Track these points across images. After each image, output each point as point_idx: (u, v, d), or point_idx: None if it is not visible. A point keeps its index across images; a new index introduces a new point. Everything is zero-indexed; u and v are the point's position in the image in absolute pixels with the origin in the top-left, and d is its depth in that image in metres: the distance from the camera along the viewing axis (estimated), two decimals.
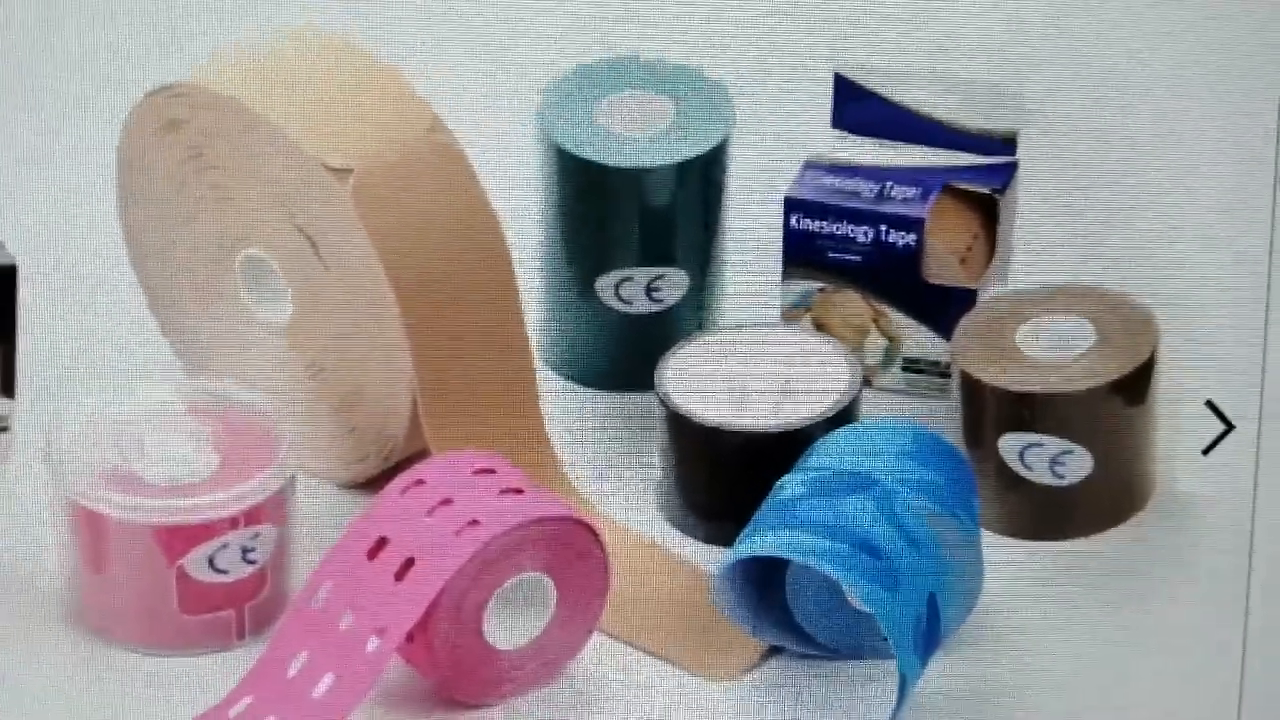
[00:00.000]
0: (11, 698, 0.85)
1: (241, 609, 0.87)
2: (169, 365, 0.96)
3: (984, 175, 0.98)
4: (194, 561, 0.86)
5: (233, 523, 0.86)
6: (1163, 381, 0.94)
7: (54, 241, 1.00)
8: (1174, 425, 0.94)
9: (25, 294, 0.92)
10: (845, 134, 0.99)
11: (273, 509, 0.87)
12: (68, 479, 0.86)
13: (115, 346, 0.97)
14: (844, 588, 0.87)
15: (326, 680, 0.83)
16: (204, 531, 0.86)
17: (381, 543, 0.85)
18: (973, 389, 0.93)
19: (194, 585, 0.86)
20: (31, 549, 0.89)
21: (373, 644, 0.84)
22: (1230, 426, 0.92)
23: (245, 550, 0.87)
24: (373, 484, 0.91)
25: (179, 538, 0.86)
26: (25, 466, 0.92)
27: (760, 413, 0.92)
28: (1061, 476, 0.93)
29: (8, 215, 0.96)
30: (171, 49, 1.00)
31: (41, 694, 0.85)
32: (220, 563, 0.86)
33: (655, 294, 0.97)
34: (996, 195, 0.98)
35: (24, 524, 0.90)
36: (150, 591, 0.86)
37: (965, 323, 0.95)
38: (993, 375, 0.93)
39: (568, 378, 0.98)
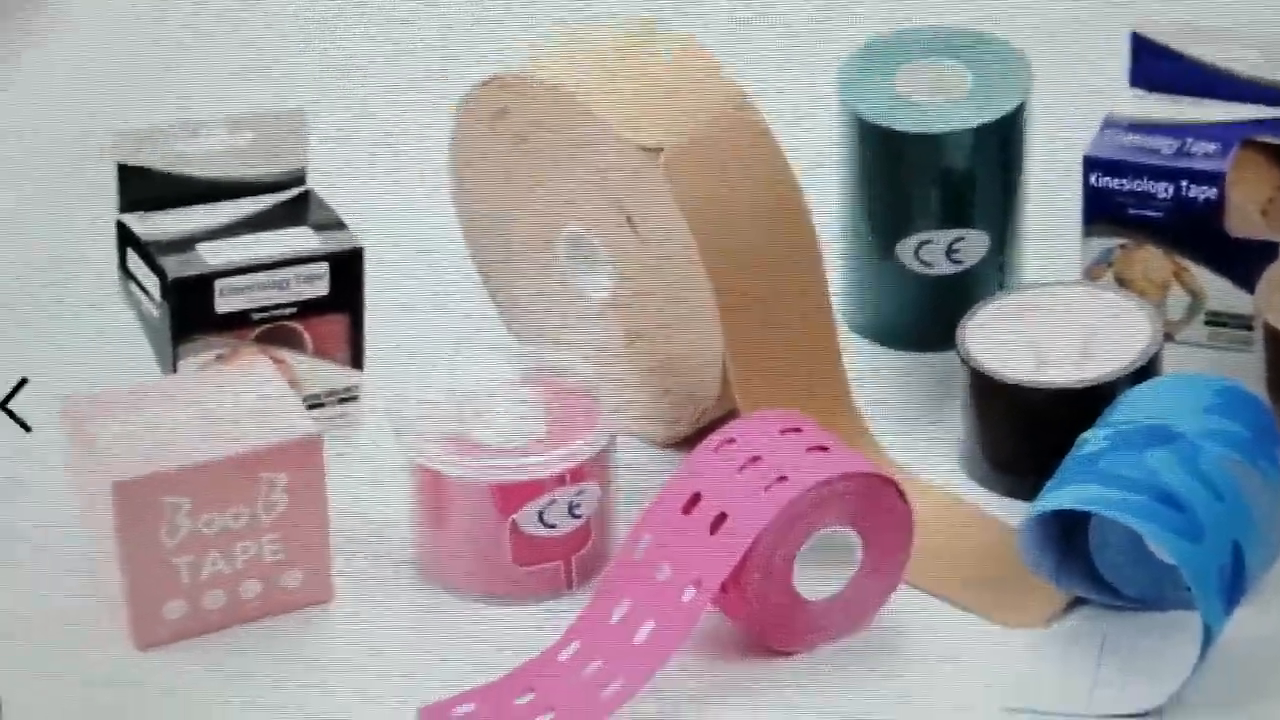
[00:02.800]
0: (365, 640, 0.91)
1: (569, 560, 0.92)
2: (501, 337, 1.01)
3: None
4: (525, 516, 0.91)
5: (560, 480, 0.91)
6: None
7: (396, 224, 1.06)
8: None
9: (371, 274, 0.98)
10: (1143, 92, 1.00)
11: (596, 467, 0.91)
12: (412, 443, 0.92)
13: (452, 320, 1.02)
14: (1147, 539, 0.88)
15: (647, 627, 0.88)
16: (534, 489, 0.91)
17: (696, 498, 0.89)
18: (1277, 341, 0.93)
19: (525, 538, 0.91)
20: (380, 507, 0.95)
21: (689, 594, 0.87)
22: None
23: (572, 506, 0.91)
24: (687, 443, 0.95)
25: (512, 495, 0.91)
26: (374, 432, 0.98)
27: (1063, 369, 0.93)
28: None
29: (355, 202, 1.01)
30: (498, 42, 1.07)
31: (391, 638, 0.91)
32: (549, 517, 0.91)
33: (955, 255, 0.99)
34: None
35: (373, 485, 0.95)
36: (486, 544, 0.91)
37: (1268, 275, 0.95)
38: None
39: (871, 339, 1.01)
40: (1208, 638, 0.86)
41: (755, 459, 0.89)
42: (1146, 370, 0.93)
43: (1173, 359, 0.96)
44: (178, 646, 0.91)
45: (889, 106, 0.98)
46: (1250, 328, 0.97)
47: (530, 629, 0.91)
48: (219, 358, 0.96)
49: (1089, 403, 0.92)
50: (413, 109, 1.11)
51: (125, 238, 0.98)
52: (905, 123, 0.98)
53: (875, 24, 1.04)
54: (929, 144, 0.98)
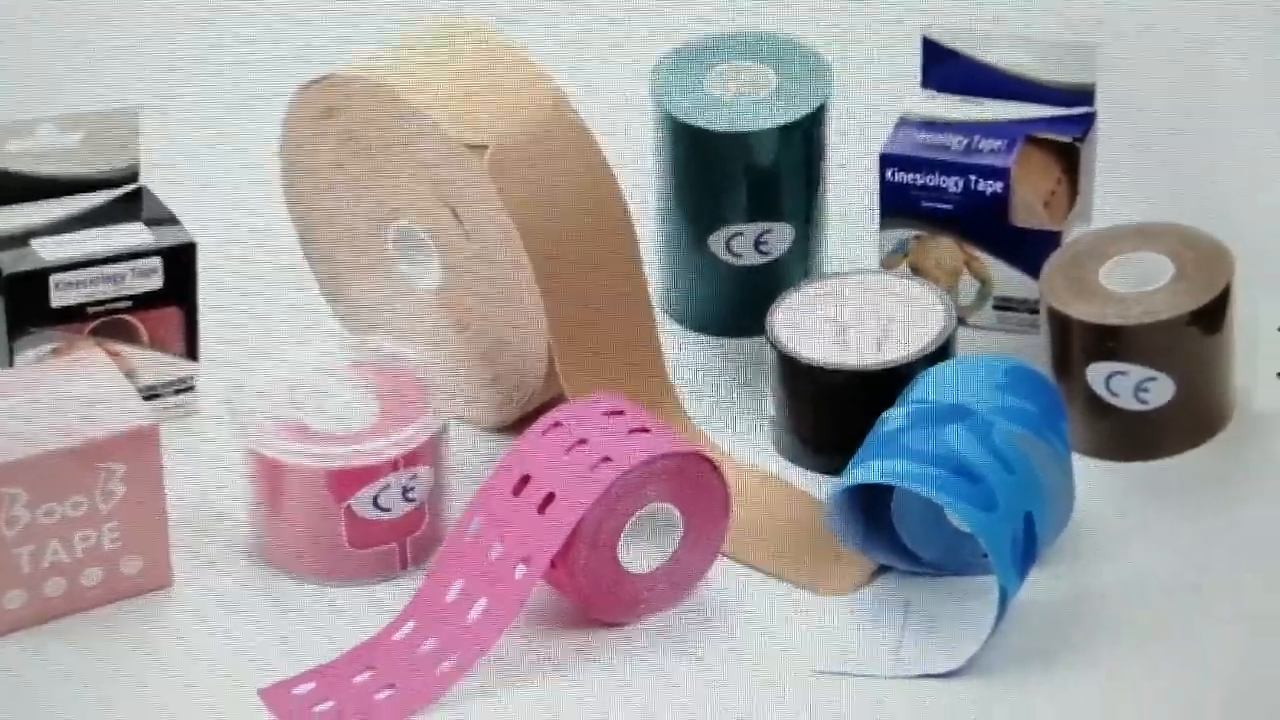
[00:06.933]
0: (204, 624, 0.92)
1: (404, 542, 0.94)
2: (334, 327, 1.03)
3: (1064, 125, 1.02)
4: (360, 501, 0.93)
5: (393, 465, 0.92)
6: (1238, 310, 0.98)
7: (229, 219, 1.07)
8: (1250, 351, 0.98)
9: (205, 267, 0.99)
10: (934, 93, 1.04)
11: (428, 452, 0.93)
12: (248, 431, 0.93)
13: (285, 311, 1.04)
14: (946, 510, 0.92)
15: (480, 605, 0.90)
16: (368, 474, 0.92)
17: (525, 480, 0.91)
18: (1060, 323, 0.98)
19: (360, 522, 0.93)
20: (217, 494, 0.96)
21: (520, 571, 0.90)
22: None
23: (405, 490, 0.93)
24: (515, 428, 0.97)
25: (347, 480, 0.92)
26: (210, 421, 0.99)
27: (863, 352, 0.97)
28: (1146, 402, 0.97)
29: (187, 197, 1.02)
30: (327, 42, 1.09)
31: (230, 621, 0.92)
32: (383, 501, 0.93)
33: (763, 247, 1.03)
34: (1077, 143, 1.02)
35: (209, 471, 0.97)
36: (322, 529, 0.93)
37: (1051, 262, 1.00)
38: (1079, 310, 0.97)
39: (687, 326, 1.04)
40: (1003, 601, 0.89)
41: (581, 441, 0.91)
42: (941, 352, 0.97)
43: (965, 341, 1.00)
44: (19, 635, 0.91)
45: (699, 106, 1.01)
46: (1036, 311, 1.02)
47: (367, 610, 0.92)
48: (54, 351, 0.96)
49: (888, 383, 0.96)
50: (244, 107, 1.11)
51: None
52: (714, 122, 1.01)
53: (686, 28, 1.07)
54: (737, 142, 1.01)
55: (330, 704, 0.89)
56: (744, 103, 1.02)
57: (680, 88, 1.02)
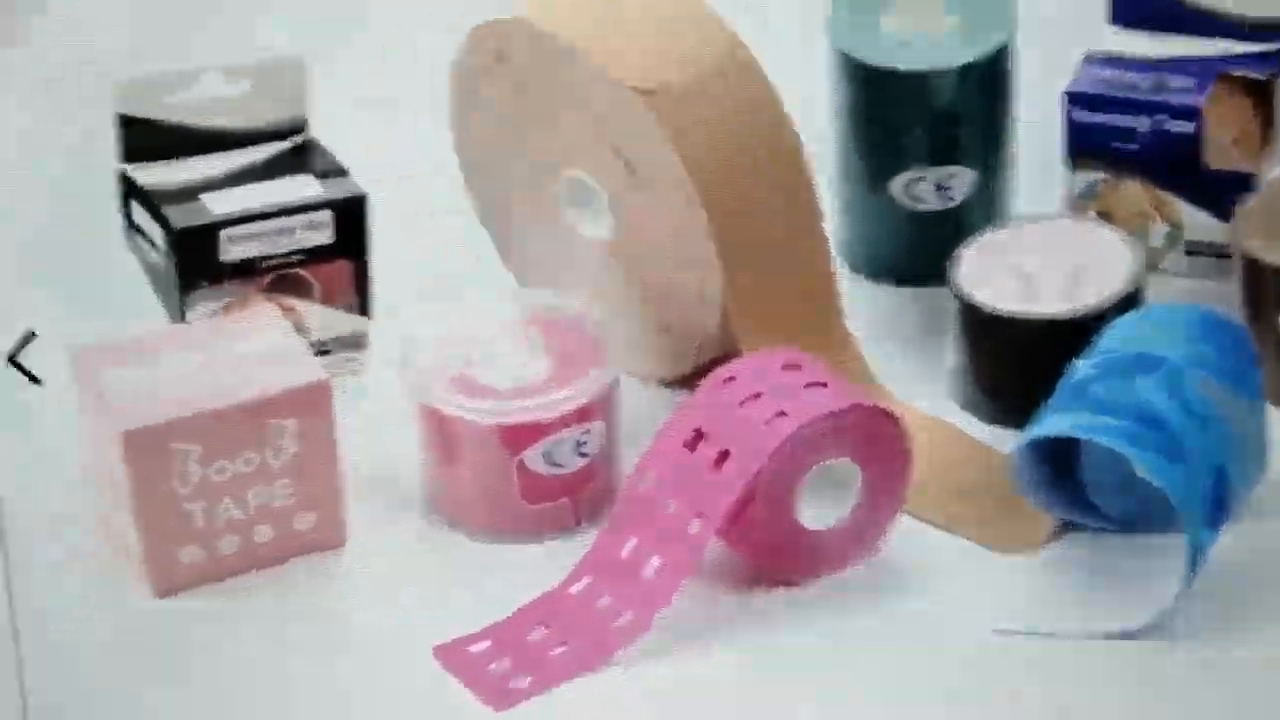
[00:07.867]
0: (379, 581, 0.91)
1: (577, 498, 0.93)
2: (505, 280, 1.02)
3: (1258, 62, 0.98)
4: (533, 456, 0.91)
5: (566, 420, 0.91)
6: None
7: (399, 171, 1.05)
8: None
9: (376, 221, 0.98)
10: (1122, 29, 1.00)
11: (601, 406, 0.92)
12: (421, 386, 0.92)
13: (457, 265, 1.02)
14: (1135, 464, 0.89)
15: (654, 561, 0.88)
16: (541, 429, 0.91)
17: (699, 435, 0.89)
18: (1253, 269, 0.94)
19: (533, 477, 0.92)
20: (390, 450, 0.95)
21: (694, 527, 0.88)
22: None
23: (578, 444, 0.92)
24: (688, 381, 0.95)
25: (519, 435, 0.91)
26: (383, 377, 0.98)
27: (1050, 301, 0.94)
28: None
29: (358, 150, 1.00)
30: None
31: (404, 578, 0.91)
32: (556, 456, 0.92)
33: (945, 191, 1.00)
34: (1271, 80, 0.99)
35: (383, 428, 0.96)
36: (495, 484, 0.92)
37: (1244, 205, 0.96)
38: (1273, 255, 0.93)
39: (864, 275, 1.02)
40: (1194, 559, 0.87)
41: (756, 395, 0.89)
42: (1131, 299, 0.94)
43: (1154, 288, 0.97)
44: (195, 592, 0.91)
45: (878, 46, 0.99)
46: (1228, 256, 0.98)
47: (540, 566, 0.91)
48: (226, 306, 0.96)
49: (1076, 333, 0.92)
50: (414, 56, 1.10)
51: (129, 189, 0.97)
52: (894, 62, 0.98)
53: None
54: (917, 82, 0.98)
55: (506, 661, 0.88)
56: (923, 42, 0.99)
57: (857, 27, 0.99)
